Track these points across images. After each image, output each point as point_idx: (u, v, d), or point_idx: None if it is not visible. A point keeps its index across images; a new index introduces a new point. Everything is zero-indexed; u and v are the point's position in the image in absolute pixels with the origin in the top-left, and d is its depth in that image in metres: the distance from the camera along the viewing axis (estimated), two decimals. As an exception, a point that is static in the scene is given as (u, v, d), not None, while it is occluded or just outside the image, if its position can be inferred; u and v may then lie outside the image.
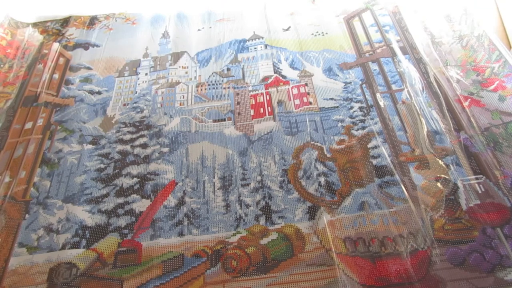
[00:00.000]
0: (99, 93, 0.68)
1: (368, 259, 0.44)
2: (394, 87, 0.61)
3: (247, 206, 0.51)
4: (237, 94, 0.65)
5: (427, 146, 0.53)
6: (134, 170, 0.57)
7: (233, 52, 0.72)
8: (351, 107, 0.59)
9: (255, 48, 0.72)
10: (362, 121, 0.57)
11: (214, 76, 0.69)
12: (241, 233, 0.49)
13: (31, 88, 0.68)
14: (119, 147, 0.59)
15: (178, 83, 0.69)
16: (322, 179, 0.52)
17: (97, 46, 0.76)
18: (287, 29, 0.74)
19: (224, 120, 0.62)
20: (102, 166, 0.57)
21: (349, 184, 0.51)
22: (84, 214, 0.52)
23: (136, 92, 0.68)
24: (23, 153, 0.59)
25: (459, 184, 0.49)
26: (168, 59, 0.73)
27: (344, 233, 0.47)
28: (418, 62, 0.63)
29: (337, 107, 0.60)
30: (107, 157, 0.58)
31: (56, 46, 0.75)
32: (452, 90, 0.58)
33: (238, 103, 0.64)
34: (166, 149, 0.59)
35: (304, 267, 0.45)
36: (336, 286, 0.43)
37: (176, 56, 0.73)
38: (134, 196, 0.54)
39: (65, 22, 0.82)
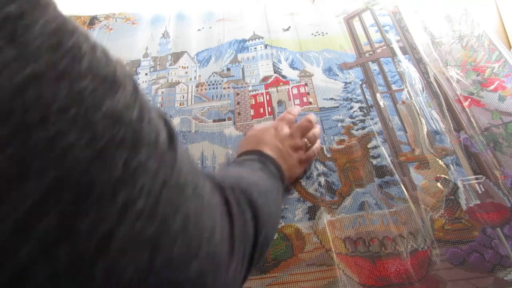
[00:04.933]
0: (99, 93, 0.68)
1: (368, 259, 0.44)
2: (394, 87, 0.61)
3: (247, 206, 0.51)
4: (237, 94, 0.65)
5: (427, 146, 0.53)
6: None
7: (233, 52, 0.72)
8: (351, 107, 0.59)
9: (255, 48, 0.72)
10: (362, 121, 0.57)
11: (214, 76, 0.69)
12: (241, 233, 0.49)
13: (31, 88, 0.68)
14: (119, 147, 0.59)
15: (178, 83, 0.69)
16: (322, 179, 0.52)
17: (97, 46, 0.76)
18: (287, 29, 0.74)
19: (224, 120, 0.62)
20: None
21: (349, 184, 0.51)
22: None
23: (136, 92, 0.67)
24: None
25: (459, 184, 0.49)
26: (168, 59, 0.73)
27: (344, 233, 0.47)
28: (418, 62, 0.63)
29: (337, 107, 0.60)
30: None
31: (56, 46, 0.74)
32: (452, 90, 0.58)
33: (238, 103, 0.64)
34: (166, 149, 0.58)
35: (304, 267, 0.45)
36: (336, 286, 0.43)
37: (176, 56, 0.73)
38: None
39: (65, 22, 0.81)
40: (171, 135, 0.17)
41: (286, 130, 0.49)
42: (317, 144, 0.52)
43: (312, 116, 0.53)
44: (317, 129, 0.53)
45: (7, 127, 0.10)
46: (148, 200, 0.13)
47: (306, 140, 0.50)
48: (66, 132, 0.11)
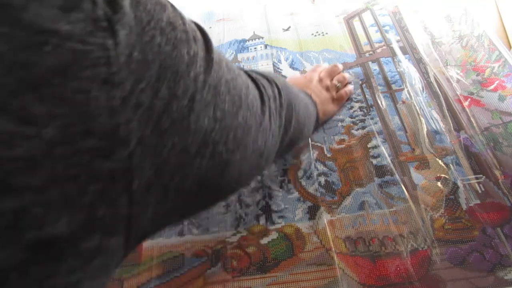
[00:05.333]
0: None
1: (368, 258, 0.44)
2: (394, 87, 0.61)
3: (247, 205, 0.51)
4: (237, 94, 0.65)
5: (427, 145, 0.53)
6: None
7: (233, 52, 0.72)
8: (351, 107, 0.59)
9: (255, 48, 0.72)
10: (362, 120, 0.57)
11: (214, 76, 0.69)
12: (241, 232, 0.49)
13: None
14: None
15: (178, 83, 0.69)
16: (322, 179, 0.52)
17: (97, 46, 0.76)
18: (287, 29, 0.74)
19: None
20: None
21: (349, 183, 0.51)
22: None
23: (136, 92, 0.67)
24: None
25: (459, 183, 0.49)
26: (168, 59, 0.73)
27: (344, 232, 0.47)
28: (418, 62, 0.63)
29: (337, 107, 0.60)
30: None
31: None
32: (452, 90, 0.58)
33: (238, 103, 0.64)
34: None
35: (304, 266, 0.45)
36: (336, 286, 0.43)
37: (176, 56, 0.73)
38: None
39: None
40: (203, 33, 0.22)
41: (315, 76, 0.55)
42: (350, 86, 0.57)
43: (339, 64, 0.59)
44: (346, 74, 0.58)
45: (147, 35, 0.16)
46: (205, 76, 0.20)
47: (336, 82, 0.56)
48: (156, 37, 0.17)
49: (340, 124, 0.58)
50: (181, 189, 0.19)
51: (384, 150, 0.53)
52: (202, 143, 0.20)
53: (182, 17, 0.20)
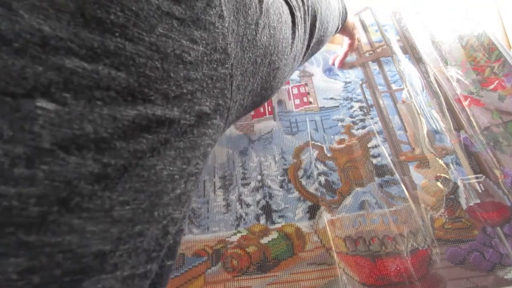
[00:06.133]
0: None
1: (368, 258, 0.45)
2: (394, 86, 0.61)
3: (248, 205, 0.51)
4: (237, 93, 0.65)
5: (427, 145, 0.53)
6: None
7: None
8: (351, 107, 0.60)
9: (255, 48, 0.72)
10: (362, 120, 0.57)
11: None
12: (241, 232, 0.49)
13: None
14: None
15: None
16: (322, 179, 0.52)
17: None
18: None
19: (224, 119, 0.62)
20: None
21: (349, 183, 0.51)
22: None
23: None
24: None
25: (459, 183, 0.49)
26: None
27: (345, 232, 0.47)
28: (418, 62, 0.63)
29: (337, 106, 0.60)
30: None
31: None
32: (452, 90, 0.58)
33: (238, 102, 0.64)
34: (166, 149, 0.58)
35: (305, 266, 0.45)
36: (337, 285, 0.43)
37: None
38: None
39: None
40: None
41: None
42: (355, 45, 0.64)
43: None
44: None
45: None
46: (260, 4, 0.25)
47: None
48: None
49: (340, 123, 0.58)
50: (251, 90, 0.27)
51: (384, 149, 0.54)
52: (263, 55, 0.26)
53: None
